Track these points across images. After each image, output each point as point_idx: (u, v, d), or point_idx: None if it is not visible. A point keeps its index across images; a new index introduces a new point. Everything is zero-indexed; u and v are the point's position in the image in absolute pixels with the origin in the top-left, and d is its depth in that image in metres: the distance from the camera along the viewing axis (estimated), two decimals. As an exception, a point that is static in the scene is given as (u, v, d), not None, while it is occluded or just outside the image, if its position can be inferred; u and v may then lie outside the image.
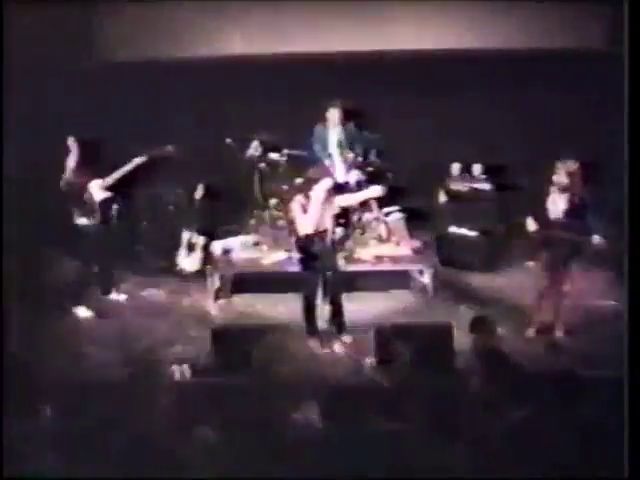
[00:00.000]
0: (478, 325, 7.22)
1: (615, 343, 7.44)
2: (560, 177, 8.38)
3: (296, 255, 8.79)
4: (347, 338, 8.81)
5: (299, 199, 8.46)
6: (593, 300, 9.53)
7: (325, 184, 8.38)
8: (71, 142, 9.51)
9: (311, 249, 8.44)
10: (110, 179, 9.43)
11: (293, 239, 8.83)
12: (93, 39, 10.57)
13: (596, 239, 8.19)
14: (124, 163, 9.68)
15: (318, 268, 8.51)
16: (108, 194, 9.44)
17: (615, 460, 5.21)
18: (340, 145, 10.24)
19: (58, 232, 9.77)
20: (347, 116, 10.37)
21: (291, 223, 9.00)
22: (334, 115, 10.25)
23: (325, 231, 8.45)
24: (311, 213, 8.30)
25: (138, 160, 9.57)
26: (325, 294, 8.83)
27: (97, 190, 9.39)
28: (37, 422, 5.96)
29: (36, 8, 9.70)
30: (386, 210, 10.33)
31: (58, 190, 9.59)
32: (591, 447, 5.48)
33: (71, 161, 9.48)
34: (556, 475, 5.47)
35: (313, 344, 8.77)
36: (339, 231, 8.70)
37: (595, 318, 9.11)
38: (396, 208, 10.37)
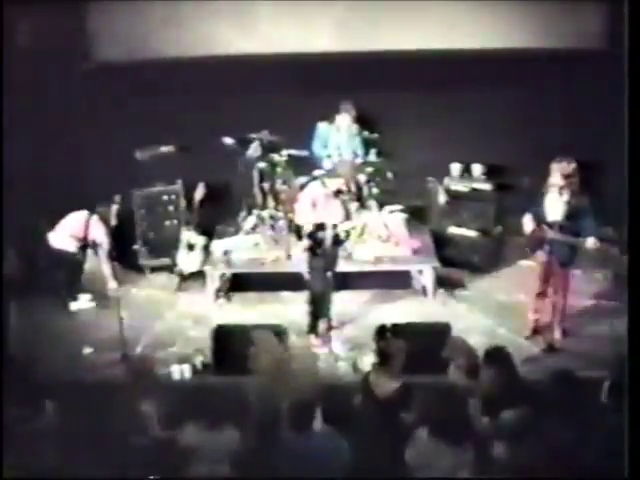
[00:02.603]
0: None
1: (615, 343, 7.47)
2: (556, 178, 8.37)
3: (297, 252, 8.83)
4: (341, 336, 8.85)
5: (315, 186, 8.54)
6: (592, 300, 9.53)
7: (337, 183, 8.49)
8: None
9: (316, 238, 8.51)
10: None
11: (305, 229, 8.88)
12: (92, 39, 10.55)
13: (590, 242, 8.16)
14: (122, 165, 9.74)
15: (322, 265, 8.55)
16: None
17: (615, 460, 5.21)
18: (342, 146, 10.24)
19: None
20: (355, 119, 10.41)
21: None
22: (344, 119, 10.24)
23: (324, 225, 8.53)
24: (307, 207, 8.44)
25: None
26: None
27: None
28: (37, 422, 5.97)
29: (36, 8, 9.68)
30: (389, 208, 10.34)
31: (57, 189, 9.59)
32: (591, 447, 5.48)
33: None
34: (556, 475, 5.48)
35: (315, 342, 8.79)
36: (339, 231, 8.70)
37: (594, 318, 9.10)
38: (398, 207, 10.37)
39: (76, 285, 9.76)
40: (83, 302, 9.72)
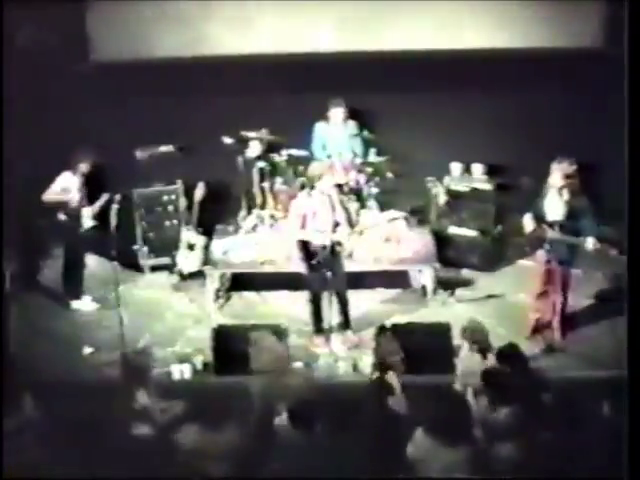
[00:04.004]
0: (469, 332, 7.30)
1: (612, 343, 7.47)
2: (556, 178, 8.37)
3: (296, 253, 8.81)
4: (353, 336, 8.84)
5: (302, 197, 8.50)
6: (592, 300, 9.52)
7: (326, 184, 8.42)
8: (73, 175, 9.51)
9: (310, 248, 8.49)
10: (96, 207, 9.54)
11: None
12: (92, 39, 10.55)
13: (590, 242, 8.15)
14: (123, 165, 9.74)
15: (319, 267, 8.52)
16: (95, 222, 9.52)
17: (615, 460, 5.21)
18: (341, 145, 10.22)
19: (57, 231, 9.77)
20: (348, 116, 10.38)
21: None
22: (337, 115, 10.23)
23: (324, 233, 8.48)
24: (295, 225, 8.43)
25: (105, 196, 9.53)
26: (329, 294, 8.80)
27: (87, 218, 9.52)
28: (37, 422, 5.97)
29: (36, 8, 9.68)
30: (391, 215, 10.33)
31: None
32: (591, 447, 5.48)
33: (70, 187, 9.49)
34: (556, 475, 5.48)
35: (319, 342, 8.78)
36: (340, 231, 8.67)
37: (594, 318, 9.09)
38: (402, 214, 10.36)
39: (78, 284, 9.74)
40: (85, 302, 9.70)
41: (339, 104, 10.17)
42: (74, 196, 9.46)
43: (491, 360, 6.98)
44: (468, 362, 7.15)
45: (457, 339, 7.77)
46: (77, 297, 9.70)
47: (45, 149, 10.19)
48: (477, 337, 7.26)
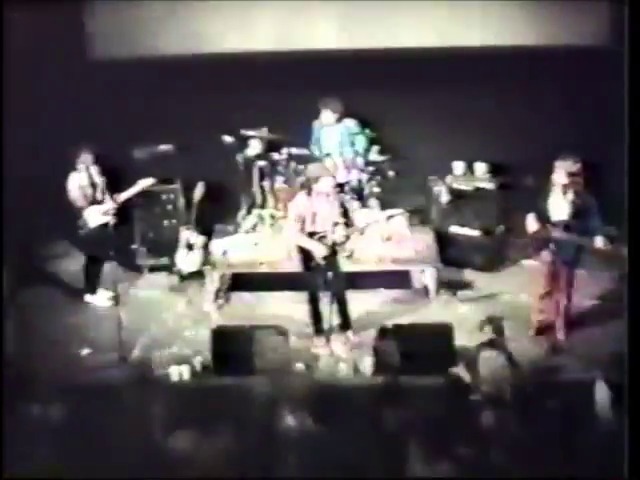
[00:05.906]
0: (487, 324, 7.27)
1: (616, 344, 7.43)
2: (560, 176, 8.33)
3: (295, 255, 8.77)
4: (353, 337, 8.78)
5: (300, 198, 8.44)
6: (597, 301, 9.48)
7: (325, 184, 8.37)
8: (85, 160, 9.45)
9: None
10: (112, 205, 9.47)
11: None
12: (92, 38, 10.54)
13: (599, 241, 8.09)
14: (122, 164, 9.70)
15: (319, 267, 8.47)
16: (106, 219, 9.42)
17: (615, 460, 5.19)
18: (340, 144, 10.19)
19: (58, 230, 9.77)
20: (348, 114, 10.34)
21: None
22: (327, 116, 10.17)
23: (325, 234, 8.44)
24: (294, 228, 8.37)
25: (143, 183, 9.55)
26: (329, 294, 8.75)
27: (94, 215, 9.42)
28: (36, 422, 5.97)
29: (35, 7, 9.67)
30: (389, 212, 10.28)
31: (58, 188, 9.57)
32: (591, 447, 5.46)
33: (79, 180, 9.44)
34: (556, 475, 5.46)
35: (319, 343, 8.74)
36: (340, 231, 8.61)
37: (599, 319, 9.05)
38: (399, 211, 10.31)
39: (94, 279, 9.71)
40: (101, 298, 9.65)
41: (326, 104, 10.09)
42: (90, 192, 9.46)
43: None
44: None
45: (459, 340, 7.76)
46: (92, 292, 9.68)
47: (45, 148, 10.20)
48: (496, 330, 7.25)
